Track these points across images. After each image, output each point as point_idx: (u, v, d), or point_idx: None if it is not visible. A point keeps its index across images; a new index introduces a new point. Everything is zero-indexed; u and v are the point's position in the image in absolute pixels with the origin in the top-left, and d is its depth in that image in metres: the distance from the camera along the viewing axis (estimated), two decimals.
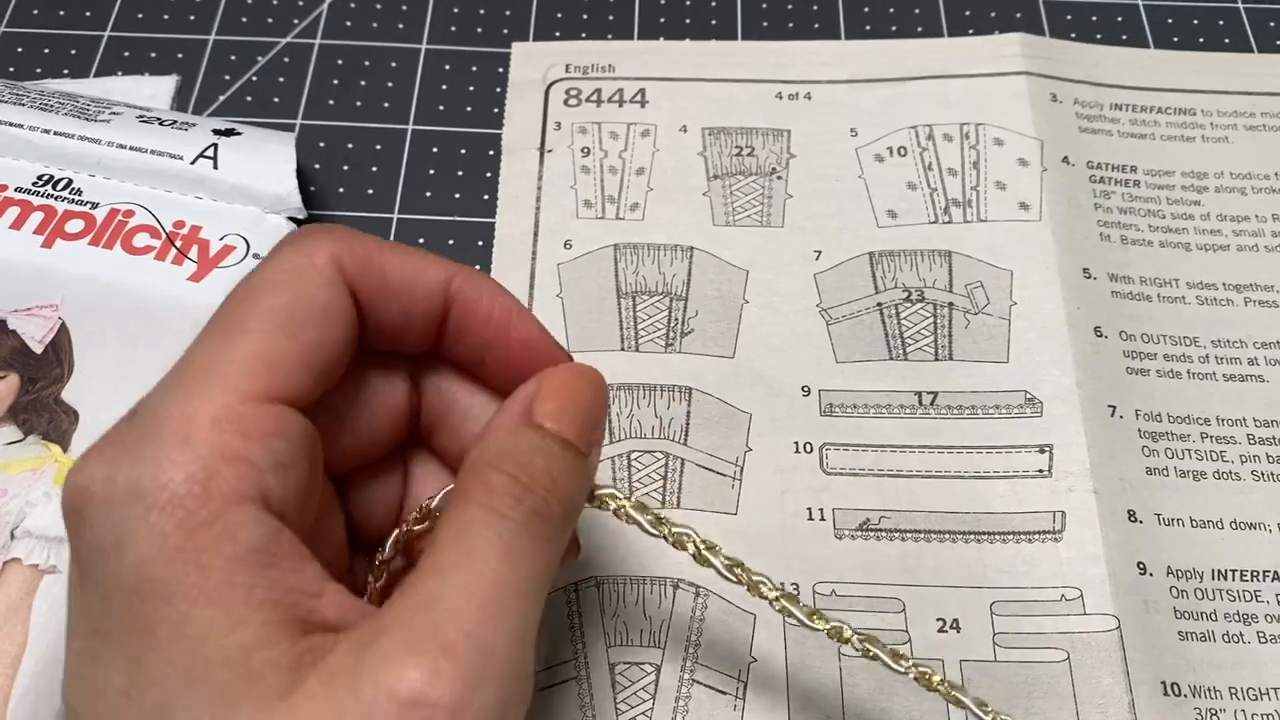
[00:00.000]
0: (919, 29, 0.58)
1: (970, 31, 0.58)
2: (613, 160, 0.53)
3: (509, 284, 0.47)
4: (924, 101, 0.55)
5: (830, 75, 0.56)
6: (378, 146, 0.55)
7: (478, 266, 0.50)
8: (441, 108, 0.56)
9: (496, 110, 0.55)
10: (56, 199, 0.47)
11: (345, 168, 0.54)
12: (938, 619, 0.42)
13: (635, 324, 0.49)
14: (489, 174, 0.53)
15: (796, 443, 0.46)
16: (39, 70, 0.56)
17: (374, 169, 0.54)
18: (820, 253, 0.51)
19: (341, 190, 0.53)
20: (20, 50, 0.57)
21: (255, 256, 0.46)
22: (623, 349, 0.48)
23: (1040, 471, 0.45)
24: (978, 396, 0.47)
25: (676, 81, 0.56)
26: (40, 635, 0.37)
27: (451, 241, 0.51)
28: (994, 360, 0.48)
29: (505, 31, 0.58)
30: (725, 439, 0.46)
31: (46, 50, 0.57)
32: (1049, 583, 0.43)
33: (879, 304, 0.49)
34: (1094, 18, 0.59)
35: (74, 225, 0.46)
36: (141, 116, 0.49)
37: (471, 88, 0.56)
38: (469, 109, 0.56)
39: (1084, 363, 0.47)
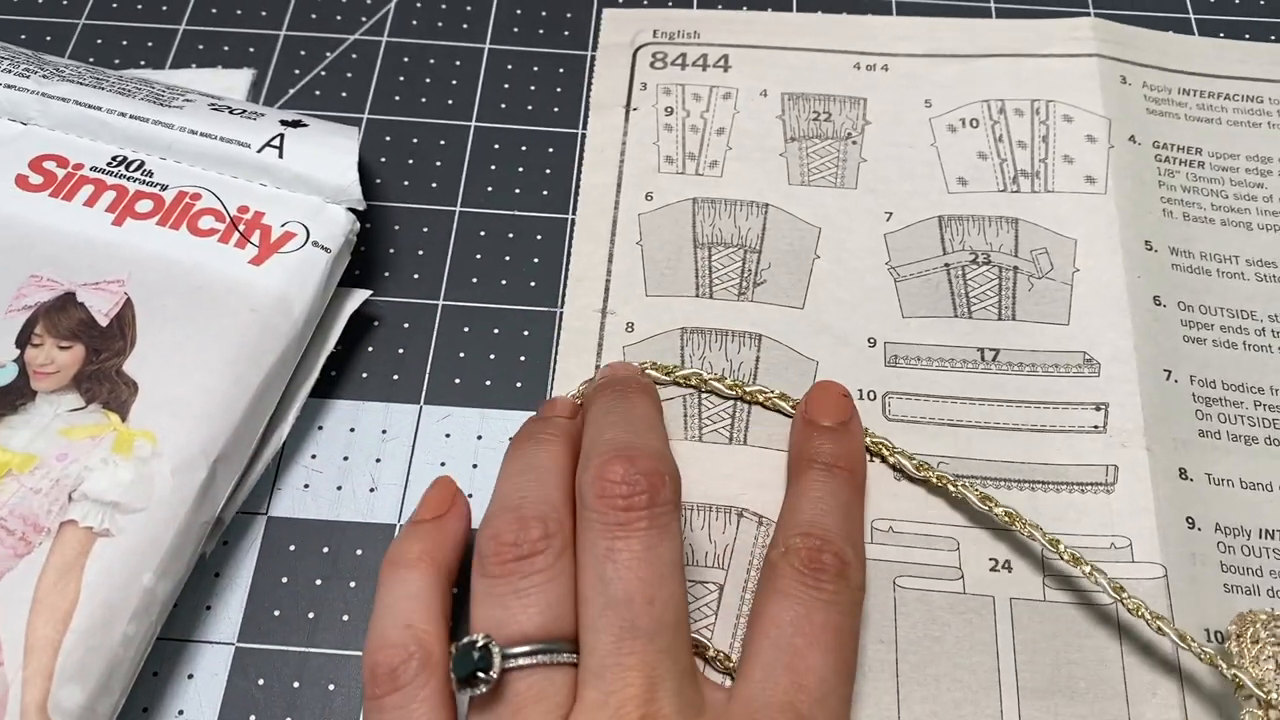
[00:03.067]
0: (974, 5, 0.60)
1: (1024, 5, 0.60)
2: (694, 120, 0.55)
3: (592, 231, 0.51)
4: (997, 78, 0.57)
5: (907, 49, 0.58)
6: (441, 141, 0.56)
7: (536, 260, 0.52)
8: (503, 106, 0.57)
9: (556, 110, 0.57)
10: (129, 179, 0.48)
11: (410, 161, 0.56)
12: (990, 558, 0.44)
13: (710, 273, 0.51)
14: (548, 170, 0.55)
15: (861, 390, 0.48)
16: (117, 61, 0.58)
17: (438, 163, 0.56)
18: (891, 214, 0.52)
19: (406, 183, 0.55)
20: (100, 42, 0.59)
21: (315, 244, 0.47)
22: (697, 295, 0.50)
23: (1095, 427, 0.47)
24: (1038, 355, 0.48)
25: (759, 49, 0.58)
26: (91, 594, 0.39)
27: (511, 235, 0.53)
28: (1055, 322, 0.49)
29: (566, 34, 0.60)
30: (792, 384, 0.48)
31: (124, 42, 0.59)
32: (1099, 531, 0.45)
33: (946, 264, 0.51)
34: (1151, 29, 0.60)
35: (144, 205, 0.48)
36: (213, 104, 0.50)
37: (532, 87, 0.58)
38: (530, 107, 0.57)
39: (1142, 328, 0.49)
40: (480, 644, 0.35)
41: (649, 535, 0.37)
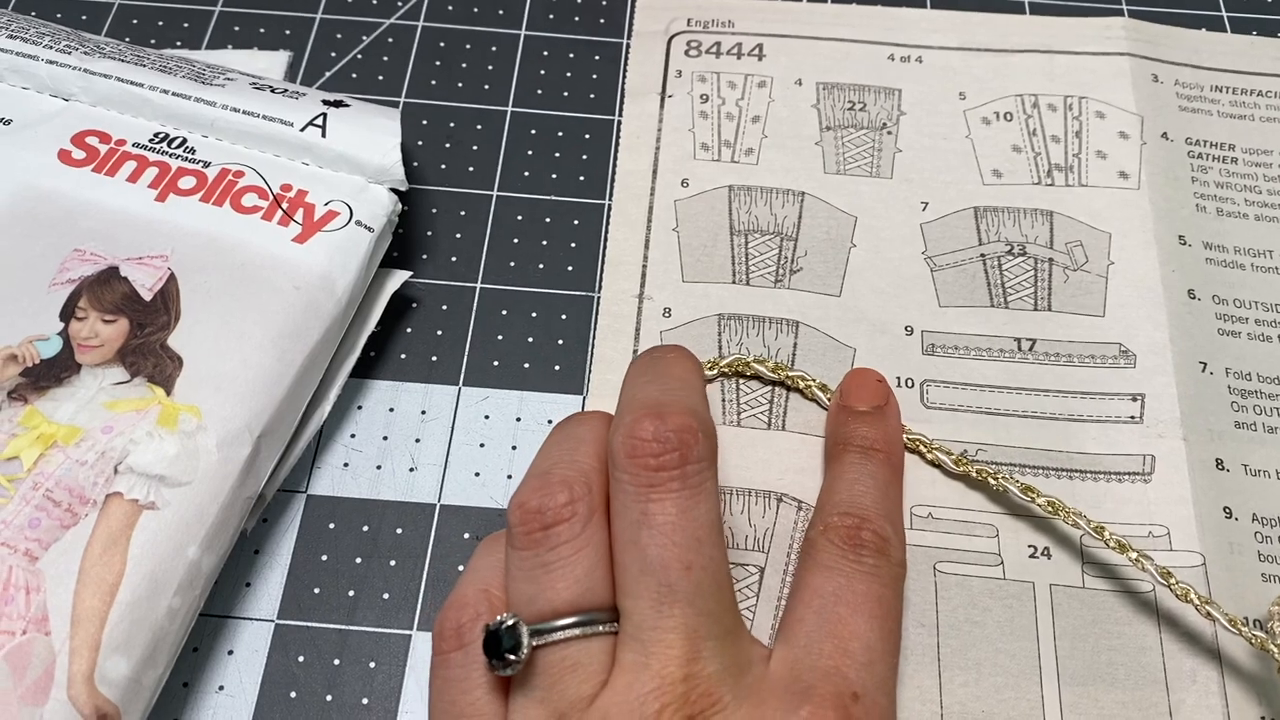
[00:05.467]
0: (1007, 2, 0.60)
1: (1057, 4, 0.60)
2: (730, 108, 0.56)
3: (628, 217, 0.52)
4: (1030, 73, 0.57)
5: (941, 41, 0.58)
6: (478, 126, 0.56)
7: (573, 244, 0.53)
8: (539, 92, 0.58)
9: (592, 96, 0.57)
10: (171, 156, 0.49)
11: (447, 145, 0.56)
12: (1029, 545, 0.44)
13: (747, 260, 0.51)
14: (584, 156, 0.55)
15: (899, 378, 0.48)
16: (153, 41, 0.58)
17: (474, 147, 0.56)
18: (927, 204, 0.53)
19: (443, 167, 0.55)
20: (135, 22, 0.59)
21: (358, 223, 0.47)
22: (734, 282, 0.50)
23: (1132, 418, 0.47)
24: (1074, 346, 0.49)
25: (793, 39, 0.58)
26: (137, 566, 0.39)
27: (548, 219, 0.53)
28: (1091, 314, 0.50)
29: (601, 21, 0.60)
30: (829, 370, 0.48)
31: (160, 23, 0.59)
32: (1137, 520, 0.45)
33: (982, 255, 0.51)
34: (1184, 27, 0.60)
35: (186, 182, 0.48)
36: (254, 83, 0.50)
37: (568, 73, 0.58)
38: (565, 94, 0.58)
39: (1177, 321, 0.49)
40: (508, 624, 0.35)
41: (682, 497, 0.36)
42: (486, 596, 0.37)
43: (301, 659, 0.43)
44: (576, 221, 0.53)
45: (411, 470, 0.47)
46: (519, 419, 0.48)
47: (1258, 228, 0.53)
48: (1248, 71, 0.58)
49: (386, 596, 0.44)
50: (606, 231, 0.52)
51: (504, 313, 0.50)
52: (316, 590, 0.44)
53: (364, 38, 0.59)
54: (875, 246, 0.51)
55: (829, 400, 0.46)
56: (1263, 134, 0.56)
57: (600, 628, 0.35)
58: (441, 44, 0.59)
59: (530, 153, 0.55)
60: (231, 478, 0.41)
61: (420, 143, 0.55)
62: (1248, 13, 0.60)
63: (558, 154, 0.55)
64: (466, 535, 0.45)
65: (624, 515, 0.37)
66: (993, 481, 0.44)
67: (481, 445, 0.47)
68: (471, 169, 0.55)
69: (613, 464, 0.37)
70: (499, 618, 0.35)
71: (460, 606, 0.37)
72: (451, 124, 0.56)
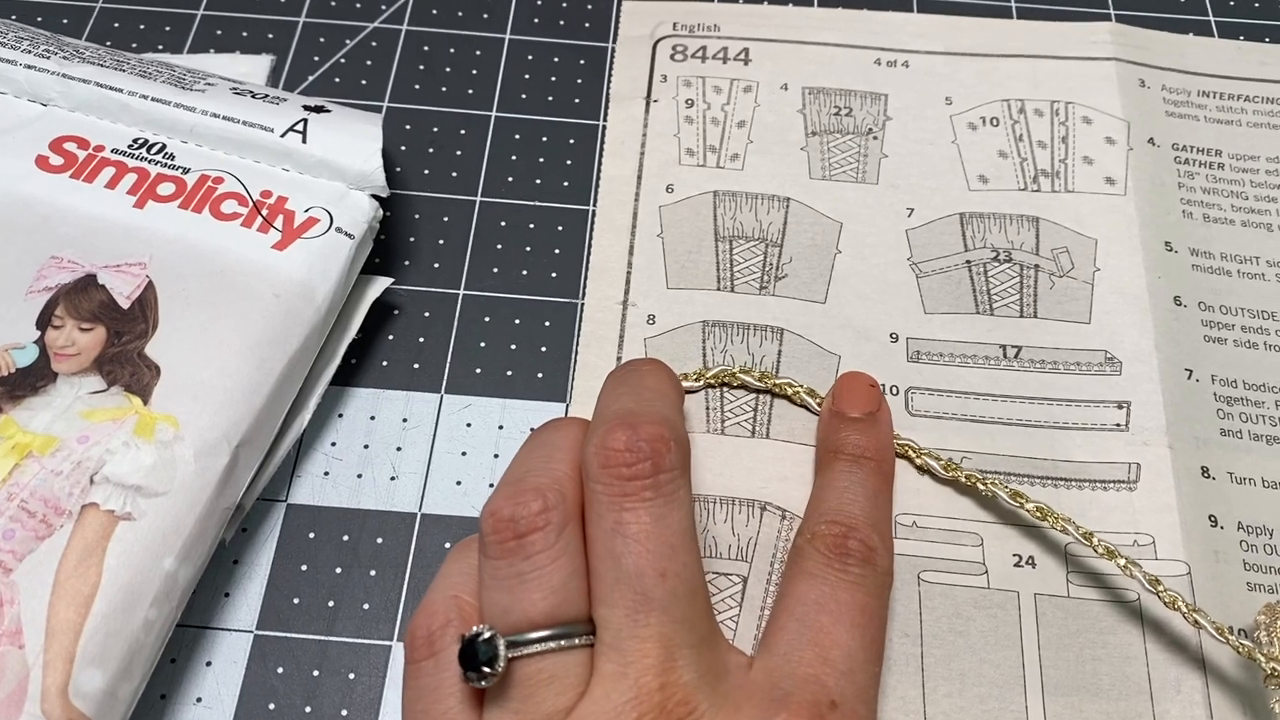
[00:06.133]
0: (994, 5, 0.60)
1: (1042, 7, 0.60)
2: (715, 112, 0.55)
3: (613, 223, 0.51)
4: (1016, 78, 0.57)
5: (927, 46, 0.58)
6: (462, 131, 0.56)
7: (557, 250, 0.52)
8: (524, 96, 0.57)
9: (577, 101, 0.57)
10: (150, 162, 0.48)
11: (430, 150, 0.55)
12: (1014, 554, 0.44)
13: (731, 266, 0.50)
14: (569, 162, 0.55)
15: (884, 385, 0.48)
16: (134, 45, 0.58)
17: (458, 152, 0.55)
18: (912, 210, 0.52)
19: (426, 172, 0.55)
20: (117, 25, 0.59)
21: (338, 230, 0.47)
22: (719, 289, 0.50)
23: (1118, 425, 0.47)
24: (1060, 353, 0.48)
25: (779, 43, 0.58)
26: (113, 578, 0.38)
27: (532, 225, 0.53)
28: (1076, 320, 0.49)
29: (587, 25, 0.60)
30: (814, 377, 0.48)
31: (142, 26, 0.59)
32: (1122, 528, 0.45)
33: (968, 261, 0.51)
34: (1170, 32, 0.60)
35: (165, 188, 0.47)
36: (235, 89, 0.50)
37: (553, 78, 0.58)
38: (550, 98, 0.57)
39: (1163, 328, 0.49)
40: (485, 637, 0.34)
41: (655, 506, 0.36)
42: (457, 604, 0.37)
43: (280, 670, 0.42)
44: (560, 227, 0.53)
45: (392, 479, 0.46)
46: (501, 427, 0.47)
47: (1244, 233, 0.52)
48: (1234, 76, 0.57)
49: (367, 607, 0.44)
50: (590, 237, 0.52)
51: (487, 319, 0.50)
52: (296, 600, 0.44)
53: (347, 42, 0.58)
54: (860, 253, 0.51)
55: (818, 405, 0.46)
56: (1249, 139, 0.55)
57: (577, 639, 0.35)
58: (425, 48, 0.58)
59: (514, 158, 0.55)
60: (209, 488, 0.41)
61: (403, 148, 0.55)
62: (1235, 18, 0.60)
63: (542, 159, 0.55)
64: (447, 545, 0.45)
65: (598, 525, 0.36)
66: (981, 487, 0.44)
67: (463, 454, 0.47)
68: (455, 174, 0.54)
69: (587, 474, 0.37)
70: (475, 629, 0.35)
71: (431, 614, 0.37)
72: (435, 129, 0.56)
